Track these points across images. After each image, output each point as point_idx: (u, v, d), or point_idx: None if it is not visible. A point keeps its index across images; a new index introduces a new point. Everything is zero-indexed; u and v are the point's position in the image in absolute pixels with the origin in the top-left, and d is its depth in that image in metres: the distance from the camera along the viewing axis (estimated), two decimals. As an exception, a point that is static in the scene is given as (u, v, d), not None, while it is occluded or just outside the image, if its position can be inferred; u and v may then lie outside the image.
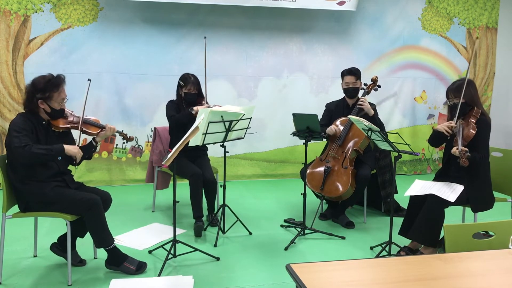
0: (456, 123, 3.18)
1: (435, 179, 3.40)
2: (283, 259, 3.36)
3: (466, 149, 2.98)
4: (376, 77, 4.11)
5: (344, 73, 4.14)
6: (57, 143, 2.92)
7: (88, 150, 3.11)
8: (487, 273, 1.62)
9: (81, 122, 3.03)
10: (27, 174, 2.86)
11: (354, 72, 4.09)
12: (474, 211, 3.21)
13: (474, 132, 3.09)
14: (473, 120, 3.15)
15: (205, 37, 4.22)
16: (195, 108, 3.84)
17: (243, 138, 3.79)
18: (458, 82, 3.29)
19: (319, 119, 3.86)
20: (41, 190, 2.87)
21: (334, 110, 4.23)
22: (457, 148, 2.99)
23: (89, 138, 3.16)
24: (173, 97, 4.16)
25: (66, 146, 2.87)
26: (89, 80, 3.12)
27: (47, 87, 2.86)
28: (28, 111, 2.92)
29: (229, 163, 5.73)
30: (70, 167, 3.11)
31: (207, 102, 4.01)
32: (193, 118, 3.67)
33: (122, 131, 3.33)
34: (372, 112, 3.95)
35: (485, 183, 3.26)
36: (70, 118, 3.05)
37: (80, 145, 3.05)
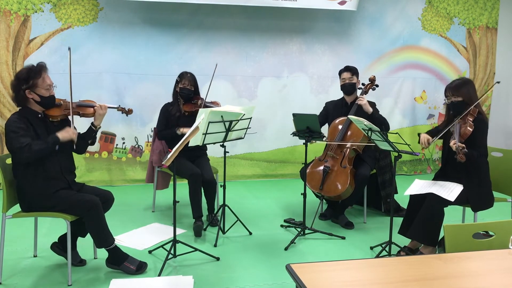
0: (454, 122, 3.19)
1: (435, 180, 3.41)
2: (283, 259, 3.36)
3: (463, 145, 3.00)
4: (374, 76, 4.14)
5: (341, 71, 4.20)
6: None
7: (89, 135, 3.15)
8: (487, 273, 1.62)
9: (71, 104, 3.01)
10: (31, 175, 2.86)
11: (349, 68, 4.14)
12: (474, 210, 3.21)
13: (471, 129, 3.11)
14: (470, 119, 3.16)
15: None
16: (180, 129, 3.92)
17: (243, 138, 3.79)
18: (457, 81, 3.31)
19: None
20: (44, 191, 2.87)
21: (333, 109, 4.25)
22: (455, 143, 2.99)
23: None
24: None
25: (58, 134, 2.87)
26: (69, 48, 3.14)
27: (30, 75, 2.85)
28: (21, 108, 2.91)
29: (229, 163, 5.73)
30: (75, 164, 3.13)
31: (205, 106, 4.01)
32: (178, 137, 3.78)
33: (119, 106, 3.34)
34: (370, 109, 3.96)
35: (484, 182, 3.26)
36: (64, 105, 3.05)
37: (74, 126, 3.04)
